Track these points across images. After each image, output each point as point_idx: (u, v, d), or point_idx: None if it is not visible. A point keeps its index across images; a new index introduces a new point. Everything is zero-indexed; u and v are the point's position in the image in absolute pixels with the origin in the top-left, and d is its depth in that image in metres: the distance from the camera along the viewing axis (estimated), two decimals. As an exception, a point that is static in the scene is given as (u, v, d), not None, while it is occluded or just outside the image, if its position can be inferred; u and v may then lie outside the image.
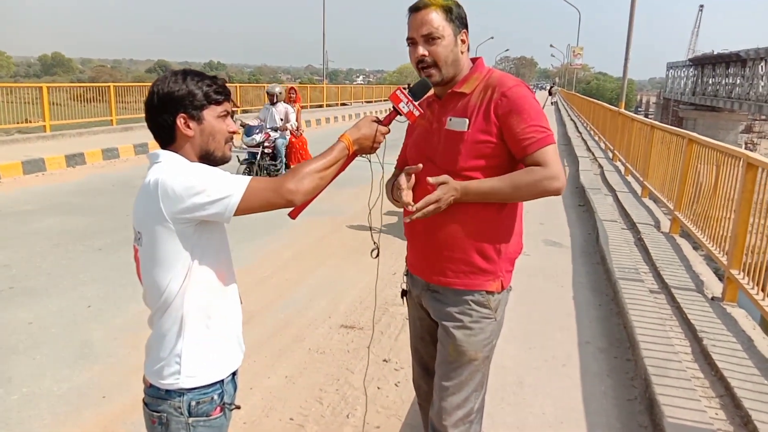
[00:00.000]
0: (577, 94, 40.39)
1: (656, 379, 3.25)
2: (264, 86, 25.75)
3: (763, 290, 4.12)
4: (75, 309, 4.59)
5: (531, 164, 1.87)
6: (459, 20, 1.96)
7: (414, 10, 1.94)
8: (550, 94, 50.00)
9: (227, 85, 1.76)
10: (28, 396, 3.38)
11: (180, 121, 1.66)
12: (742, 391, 3.17)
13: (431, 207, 1.79)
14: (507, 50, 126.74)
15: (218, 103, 1.69)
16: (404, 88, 1.94)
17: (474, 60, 2.06)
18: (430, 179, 1.78)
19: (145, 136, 14.32)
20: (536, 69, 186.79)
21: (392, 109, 1.93)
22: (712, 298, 4.62)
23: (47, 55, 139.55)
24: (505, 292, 2.08)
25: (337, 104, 32.62)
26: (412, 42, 1.96)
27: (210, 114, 1.68)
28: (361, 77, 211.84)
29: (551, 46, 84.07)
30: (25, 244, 6.17)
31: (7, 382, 3.50)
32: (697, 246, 6.15)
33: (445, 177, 1.79)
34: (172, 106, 1.66)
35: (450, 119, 1.98)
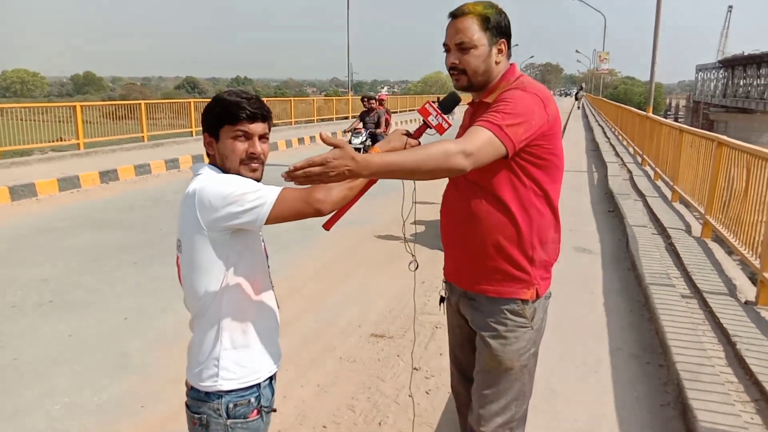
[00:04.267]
0: (604, 99, 40.00)
1: (689, 384, 3.22)
2: (291, 100, 26.21)
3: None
4: (112, 321, 4.71)
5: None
6: (497, 29, 1.93)
7: (452, 16, 1.94)
8: (576, 98, 49.90)
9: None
10: (69, 405, 3.49)
11: (204, 139, 1.77)
12: (778, 396, 3.13)
13: (315, 169, 1.46)
14: (532, 57, 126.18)
15: (232, 123, 1.71)
16: (433, 102, 1.98)
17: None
18: (323, 135, 1.56)
19: (176, 151, 14.61)
20: (562, 75, 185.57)
21: (422, 122, 1.98)
22: (746, 303, 4.56)
23: (79, 75, 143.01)
24: (542, 300, 2.06)
25: (362, 115, 32.80)
26: (446, 48, 1.96)
27: (225, 134, 1.73)
28: (385, 88, 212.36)
29: (577, 51, 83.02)
30: (63, 258, 6.35)
31: (50, 393, 3.62)
32: (729, 250, 6.07)
33: (342, 141, 1.53)
34: (203, 124, 1.77)
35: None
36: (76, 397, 3.58)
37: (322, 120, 27.63)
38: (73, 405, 3.49)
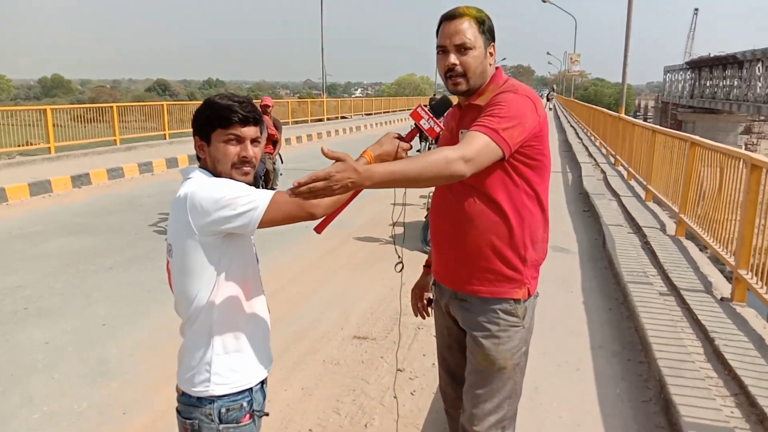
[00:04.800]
0: (576, 101, 40.49)
1: (671, 380, 3.28)
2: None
3: (772, 289, 4.15)
4: (89, 328, 4.62)
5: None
6: (489, 33, 1.97)
7: (448, 18, 1.94)
8: (548, 99, 50.39)
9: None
10: (49, 415, 3.41)
11: (195, 142, 1.75)
12: (757, 389, 3.19)
13: (319, 184, 1.45)
14: (504, 59, 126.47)
15: (224, 127, 1.70)
16: (425, 106, 1.98)
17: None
18: (325, 149, 1.54)
19: (148, 155, 14.43)
20: (533, 77, 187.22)
21: (414, 126, 1.98)
22: (722, 299, 4.65)
23: (47, 78, 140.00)
24: (532, 299, 2.09)
25: (336, 117, 32.78)
26: (443, 50, 1.95)
27: (217, 137, 1.71)
28: (359, 90, 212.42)
29: (548, 53, 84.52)
30: (37, 265, 6.22)
31: (29, 402, 3.54)
32: (703, 248, 6.18)
33: (344, 155, 1.51)
34: (194, 128, 1.75)
35: (462, 132, 1.98)
36: (55, 405, 3.51)
37: (296, 122, 27.53)
38: (53, 413, 3.42)
